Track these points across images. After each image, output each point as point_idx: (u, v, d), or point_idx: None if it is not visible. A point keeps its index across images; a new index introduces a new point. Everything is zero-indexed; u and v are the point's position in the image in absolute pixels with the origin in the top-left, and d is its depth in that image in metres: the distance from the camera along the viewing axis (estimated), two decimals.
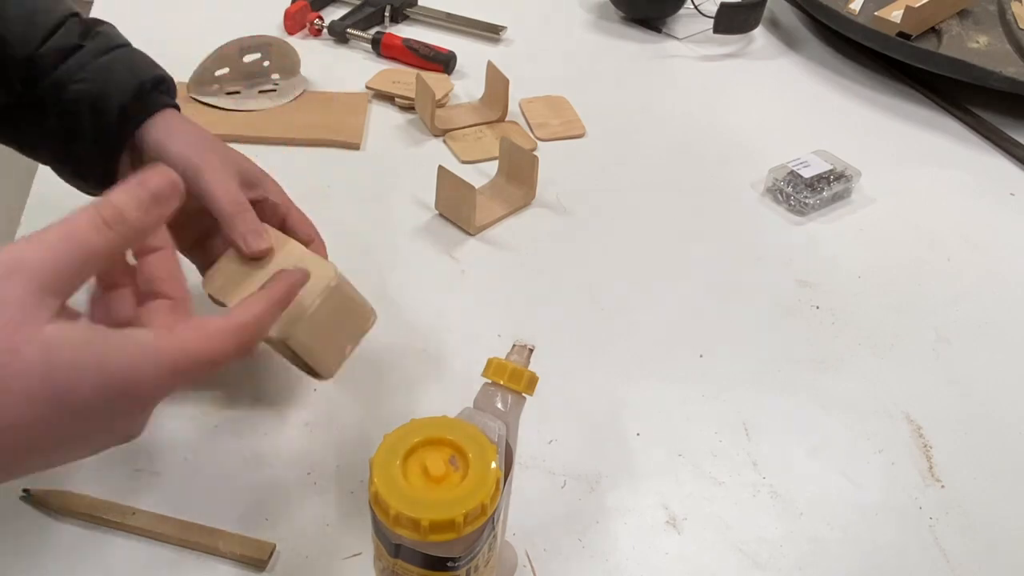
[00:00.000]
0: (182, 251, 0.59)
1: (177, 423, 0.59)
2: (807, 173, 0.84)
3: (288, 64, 0.95)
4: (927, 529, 0.57)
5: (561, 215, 0.82)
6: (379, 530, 0.40)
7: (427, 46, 1.01)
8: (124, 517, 0.52)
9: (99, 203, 0.37)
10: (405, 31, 1.08)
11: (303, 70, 0.95)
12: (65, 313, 0.36)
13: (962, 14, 1.10)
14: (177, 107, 0.60)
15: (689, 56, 1.10)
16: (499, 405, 0.44)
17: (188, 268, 0.54)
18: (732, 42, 1.12)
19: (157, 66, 0.60)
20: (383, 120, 0.92)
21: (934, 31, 1.06)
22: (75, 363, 0.34)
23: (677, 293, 0.74)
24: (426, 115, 0.90)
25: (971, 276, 0.79)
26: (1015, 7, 1.10)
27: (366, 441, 0.59)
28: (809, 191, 0.83)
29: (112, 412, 0.36)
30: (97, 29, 0.59)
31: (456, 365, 0.65)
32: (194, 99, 0.89)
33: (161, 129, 0.57)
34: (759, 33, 1.15)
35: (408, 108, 0.93)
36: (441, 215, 0.79)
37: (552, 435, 0.61)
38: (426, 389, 0.63)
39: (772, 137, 0.95)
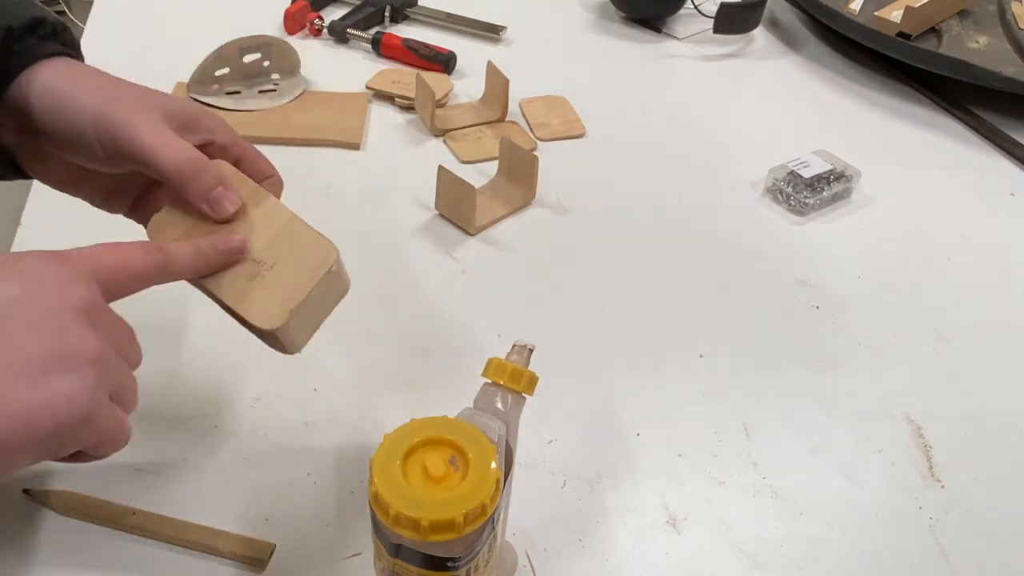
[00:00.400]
0: (119, 214, 0.53)
1: (177, 423, 0.59)
2: (807, 173, 0.84)
3: (288, 64, 0.95)
4: (927, 529, 0.57)
5: (561, 215, 0.82)
6: (379, 530, 0.40)
7: (427, 46, 1.01)
8: (124, 517, 0.52)
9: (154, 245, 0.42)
10: (405, 31, 1.08)
11: (303, 70, 0.95)
12: None
13: (962, 14, 1.10)
14: (72, 55, 0.47)
15: (689, 56, 1.10)
16: (499, 405, 0.44)
17: (133, 231, 0.49)
18: (732, 42, 1.13)
19: (36, 5, 0.46)
20: (383, 120, 0.92)
21: (934, 31, 1.06)
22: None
23: (677, 293, 0.74)
24: (426, 115, 0.90)
25: (971, 276, 0.79)
26: (1015, 7, 1.10)
27: (366, 441, 0.59)
28: (809, 191, 0.83)
29: (30, 310, 0.37)
30: None
31: (456, 365, 0.65)
32: (194, 99, 0.89)
33: (55, 78, 0.44)
34: (759, 33, 1.15)
35: (408, 108, 0.93)
36: (441, 215, 0.79)
37: (552, 435, 0.61)
38: (426, 389, 0.63)
39: (772, 137, 0.95)
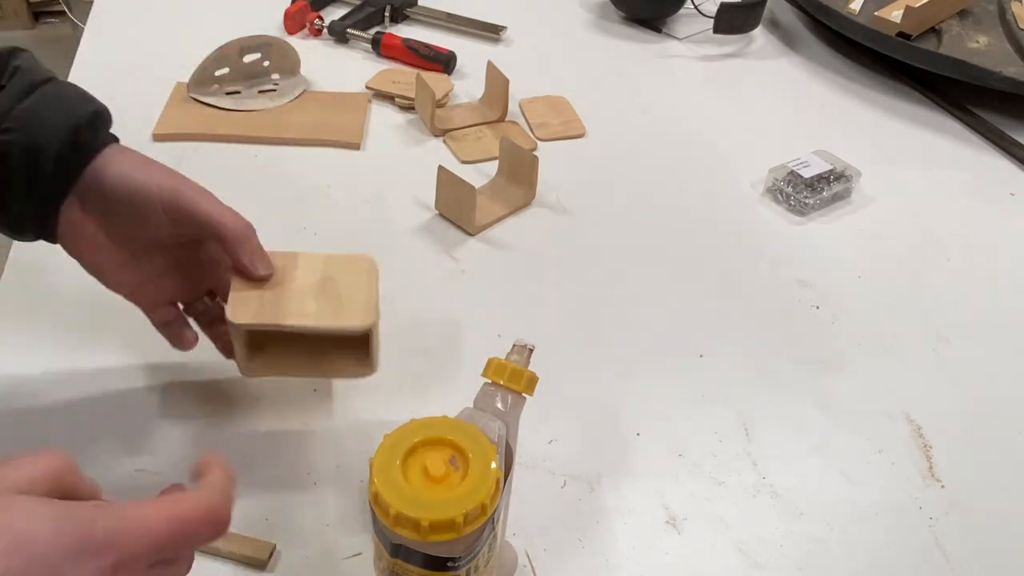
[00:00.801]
0: (185, 305, 0.59)
1: (177, 423, 0.59)
2: (807, 173, 0.84)
3: (288, 64, 0.95)
4: (927, 529, 0.57)
5: (561, 215, 0.82)
6: (379, 530, 0.40)
7: (427, 46, 1.01)
8: None
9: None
10: (405, 31, 1.08)
11: (303, 70, 0.95)
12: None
13: (962, 14, 1.10)
14: (116, 138, 0.54)
15: (689, 56, 1.10)
16: (499, 405, 0.44)
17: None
18: (732, 42, 1.13)
19: (89, 98, 0.53)
20: (383, 120, 0.92)
21: (934, 31, 1.06)
22: (32, 512, 0.34)
23: (677, 293, 0.74)
24: (426, 115, 0.90)
25: (971, 276, 0.79)
26: (1015, 7, 1.10)
27: (366, 441, 0.59)
28: (809, 191, 0.83)
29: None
30: (14, 63, 0.51)
31: (456, 365, 0.65)
32: (194, 99, 0.89)
33: (120, 163, 0.52)
34: (759, 33, 1.15)
35: (408, 108, 0.93)
36: (441, 215, 0.79)
37: (552, 435, 0.61)
38: (426, 389, 0.63)
39: (772, 137, 0.95)
